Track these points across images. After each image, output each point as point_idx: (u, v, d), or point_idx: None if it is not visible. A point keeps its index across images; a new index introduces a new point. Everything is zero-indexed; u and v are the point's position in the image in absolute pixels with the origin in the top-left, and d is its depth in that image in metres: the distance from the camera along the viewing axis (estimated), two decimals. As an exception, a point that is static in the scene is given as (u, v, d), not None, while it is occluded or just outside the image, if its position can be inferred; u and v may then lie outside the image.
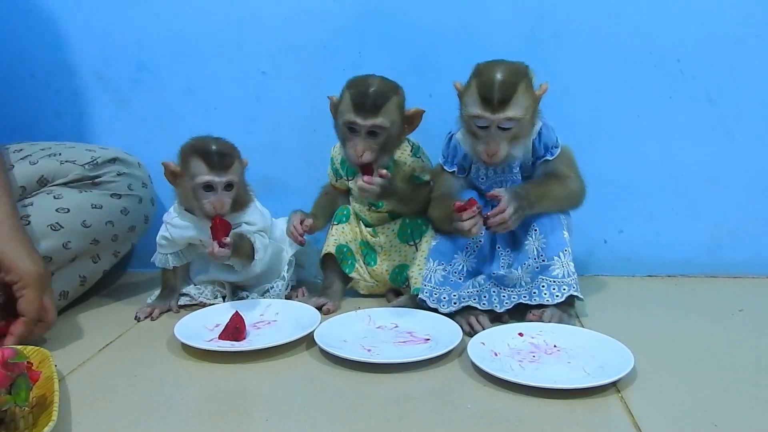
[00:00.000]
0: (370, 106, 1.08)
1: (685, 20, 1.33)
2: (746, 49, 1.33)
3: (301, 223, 1.18)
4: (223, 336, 1.04)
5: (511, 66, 1.06)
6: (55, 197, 1.19)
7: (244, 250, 1.17)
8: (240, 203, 1.20)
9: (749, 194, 1.38)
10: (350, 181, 1.24)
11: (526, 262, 1.10)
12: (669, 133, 1.37)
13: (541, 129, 1.11)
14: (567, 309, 1.10)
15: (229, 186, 1.14)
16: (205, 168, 1.12)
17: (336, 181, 1.28)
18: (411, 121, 1.16)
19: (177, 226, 1.19)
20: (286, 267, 1.28)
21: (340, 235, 1.25)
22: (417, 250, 1.20)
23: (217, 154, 1.12)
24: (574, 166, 1.15)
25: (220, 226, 1.11)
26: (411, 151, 1.21)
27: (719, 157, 1.38)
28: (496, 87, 1.02)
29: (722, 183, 1.38)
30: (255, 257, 1.19)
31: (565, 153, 1.14)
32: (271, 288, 1.26)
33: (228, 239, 1.11)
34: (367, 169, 1.10)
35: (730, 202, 1.39)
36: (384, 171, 1.10)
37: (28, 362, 0.83)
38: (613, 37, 1.35)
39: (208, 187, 1.13)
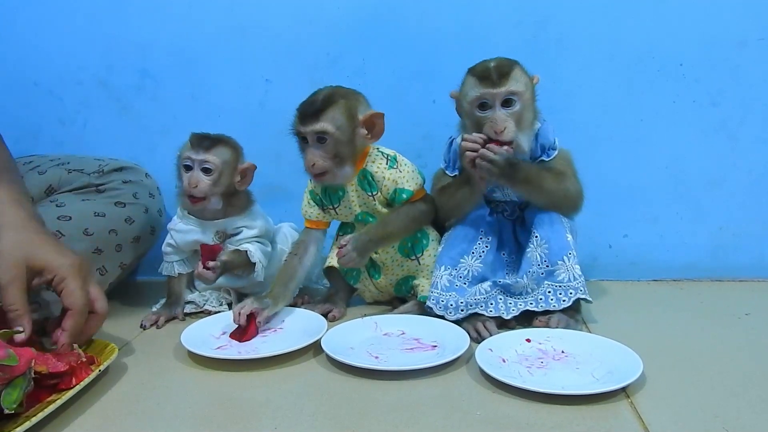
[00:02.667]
0: (312, 113, 1.08)
1: (687, 24, 1.34)
2: (748, 52, 1.33)
3: (250, 315, 1.07)
4: (232, 335, 1.06)
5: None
6: (57, 205, 1.18)
7: (237, 265, 1.19)
8: (238, 207, 1.22)
9: (753, 197, 1.38)
10: (337, 208, 1.19)
11: (531, 270, 1.10)
12: (672, 137, 1.38)
13: (539, 129, 1.11)
14: (574, 314, 1.10)
15: (206, 168, 1.16)
16: (188, 146, 1.18)
17: (322, 215, 1.21)
18: (371, 125, 1.12)
19: (180, 230, 1.20)
20: None
21: None
22: (419, 264, 1.19)
23: (202, 136, 1.18)
24: (572, 169, 1.14)
25: (205, 251, 1.16)
26: (387, 163, 1.16)
27: (723, 160, 1.38)
28: (493, 66, 1.06)
29: (726, 186, 1.38)
30: (254, 268, 1.20)
31: (563, 156, 1.14)
32: None
33: (213, 263, 1.14)
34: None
35: (734, 205, 1.39)
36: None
37: (88, 357, 0.88)
38: (616, 41, 1.35)
39: (188, 165, 1.16)
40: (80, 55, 1.46)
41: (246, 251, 1.20)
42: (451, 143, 1.17)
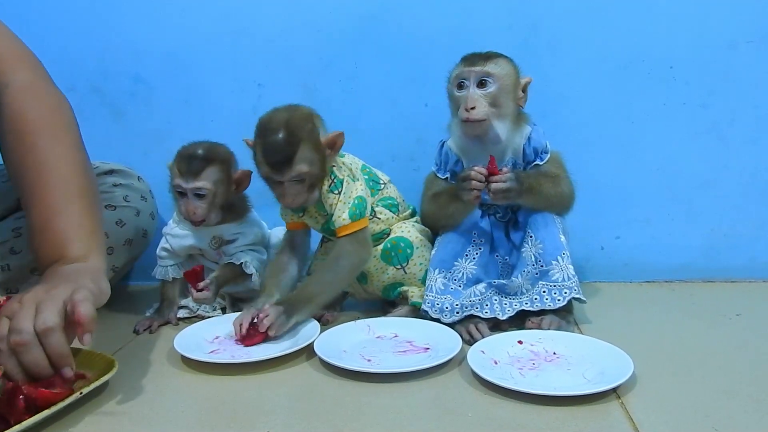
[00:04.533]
0: (283, 160, 1.05)
1: (677, 27, 1.35)
2: (738, 55, 1.34)
3: (252, 321, 1.05)
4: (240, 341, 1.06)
5: None
6: None
7: (232, 278, 1.19)
8: (234, 213, 1.21)
9: (744, 198, 1.39)
10: (302, 217, 1.18)
11: (525, 269, 1.10)
12: (663, 139, 1.39)
13: (530, 134, 1.13)
14: (566, 315, 1.11)
15: (199, 193, 1.15)
16: (177, 172, 1.15)
17: (297, 218, 1.19)
18: (332, 144, 1.09)
19: (176, 235, 1.20)
20: None
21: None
22: (405, 273, 1.18)
23: (189, 159, 1.14)
24: (564, 170, 1.15)
25: (190, 277, 1.15)
26: (329, 187, 1.12)
27: (714, 161, 1.39)
28: (479, 52, 1.10)
29: (717, 187, 1.39)
30: (252, 278, 1.20)
31: (555, 158, 1.15)
32: None
33: (203, 283, 1.14)
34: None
35: (726, 206, 1.40)
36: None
37: (77, 374, 0.85)
38: (607, 44, 1.36)
39: (181, 192, 1.15)
40: (73, 60, 1.46)
41: (240, 263, 1.20)
42: (442, 146, 1.18)
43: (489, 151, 1.10)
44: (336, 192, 1.12)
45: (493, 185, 1.06)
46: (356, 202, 1.12)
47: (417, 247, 1.18)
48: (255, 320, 1.04)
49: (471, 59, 1.10)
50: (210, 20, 1.43)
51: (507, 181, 1.06)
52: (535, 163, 1.13)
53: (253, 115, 1.43)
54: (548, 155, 1.14)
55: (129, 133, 1.48)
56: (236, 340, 1.06)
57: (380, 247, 1.18)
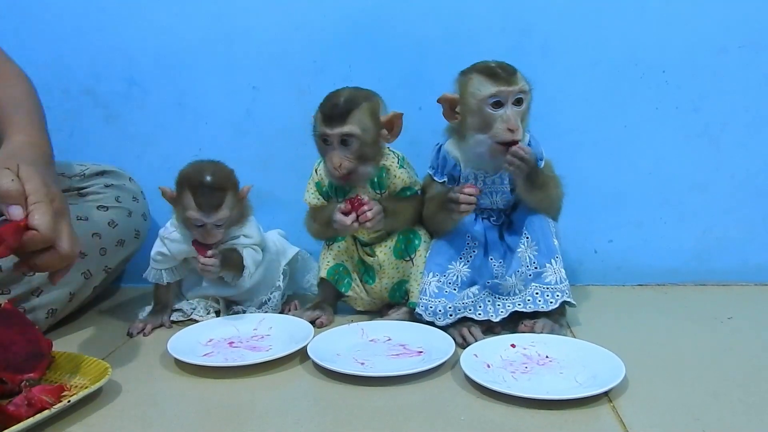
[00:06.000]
0: (338, 115, 1.09)
1: (669, 32, 1.35)
2: (729, 59, 1.35)
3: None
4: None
5: None
6: None
7: (234, 262, 1.18)
8: (239, 219, 1.21)
9: (736, 201, 1.40)
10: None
11: (520, 269, 1.11)
12: (655, 143, 1.39)
13: (530, 141, 1.13)
14: (558, 319, 1.11)
15: (218, 224, 1.14)
16: (194, 205, 1.12)
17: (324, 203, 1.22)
18: (390, 126, 1.14)
19: (175, 240, 1.19)
20: (281, 277, 1.28)
21: (335, 255, 1.24)
22: (413, 264, 1.19)
23: (207, 193, 1.11)
24: (556, 175, 1.17)
25: (198, 243, 1.15)
26: (398, 162, 1.19)
27: (705, 165, 1.39)
28: (499, 65, 1.08)
29: (709, 191, 1.40)
30: (243, 272, 1.19)
31: (548, 164, 1.16)
32: (269, 300, 1.26)
33: (211, 251, 1.13)
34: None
35: (717, 209, 1.40)
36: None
37: (60, 385, 0.87)
38: (599, 48, 1.37)
39: (200, 224, 1.14)
40: (66, 63, 1.46)
41: (239, 252, 1.19)
42: (439, 149, 1.18)
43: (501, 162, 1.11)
44: (404, 167, 1.19)
45: (514, 147, 1.05)
46: (415, 175, 1.21)
47: (424, 241, 1.20)
48: (355, 203, 1.10)
49: (505, 77, 1.06)
50: (204, 23, 1.43)
51: (527, 153, 1.05)
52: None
53: (247, 118, 1.44)
54: (544, 161, 1.14)
55: (122, 135, 1.48)
56: (339, 210, 1.10)
57: (394, 239, 1.20)
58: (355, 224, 1.10)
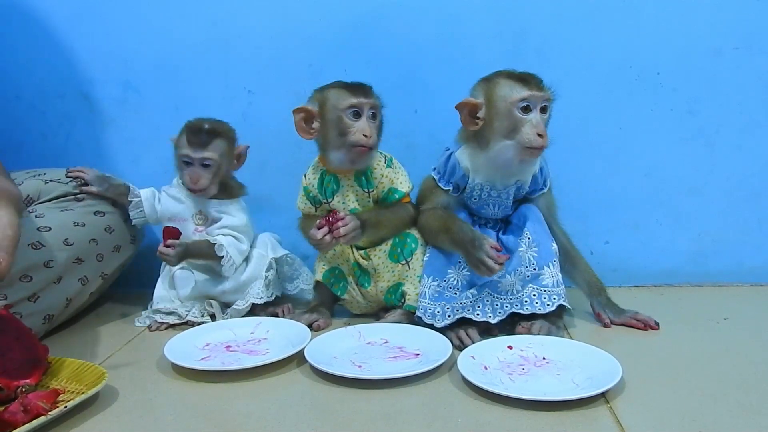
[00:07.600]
0: (369, 87, 1.16)
1: (664, 34, 1.36)
2: (724, 61, 1.36)
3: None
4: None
5: None
6: (36, 216, 1.18)
7: (203, 254, 1.22)
8: (226, 191, 1.26)
9: (731, 203, 1.40)
10: (331, 203, 1.21)
11: (519, 269, 1.11)
12: (651, 145, 1.40)
13: (542, 164, 1.15)
14: (555, 321, 1.12)
15: (205, 163, 1.20)
16: (185, 142, 1.20)
17: (315, 210, 1.24)
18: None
19: (172, 196, 1.26)
20: (265, 267, 1.27)
21: (331, 258, 1.25)
22: (409, 268, 1.19)
23: (199, 131, 1.21)
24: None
25: (166, 232, 1.20)
26: (384, 162, 1.20)
27: (701, 167, 1.40)
28: (527, 72, 1.09)
29: (705, 193, 1.40)
30: (221, 254, 1.21)
31: (549, 188, 1.19)
32: (250, 289, 1.25)
33: (173, 241, 1.18)
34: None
35: (713, 211, 1.41)
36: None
37: (54, 389, 0.86)
38: (594, 51, 1.37)
39: (188, 161, 1.19)
40: (62, 68, 1.46)
41: (215, 244, 1.21)
42: (449, 157, 1.16)
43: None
44: (391, 167, 1.21)
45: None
46: (406, 177, 1.23)
47: (420, 244, 1.20)
48: (331, 218, 1.12)
49: (535, 83, 1.07)
50: (200, 27, 1.43)
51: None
52: (541, 190, 1.17)
53: (243, 121, 1.43)
54: (549, 184, 1.18)
55: (119, 140, 1.48)
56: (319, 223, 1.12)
57: (389, 243, 1.20)
58: (327, 238, 1.11)
